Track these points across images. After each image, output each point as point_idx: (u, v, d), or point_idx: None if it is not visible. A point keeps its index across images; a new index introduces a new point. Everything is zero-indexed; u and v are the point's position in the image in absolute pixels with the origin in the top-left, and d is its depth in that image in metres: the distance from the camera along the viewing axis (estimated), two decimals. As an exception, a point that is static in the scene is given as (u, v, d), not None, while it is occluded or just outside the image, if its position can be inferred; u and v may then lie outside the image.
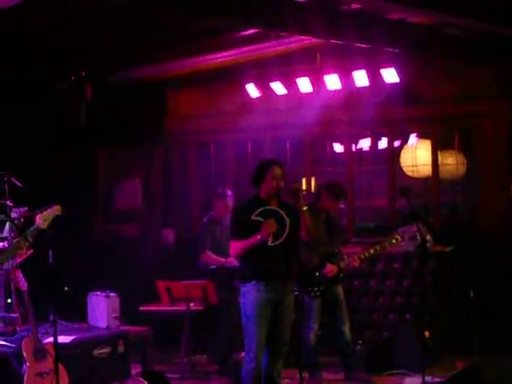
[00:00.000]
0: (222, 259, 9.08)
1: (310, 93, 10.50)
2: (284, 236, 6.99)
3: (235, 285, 8.28)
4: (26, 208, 8.00)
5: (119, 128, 11.27)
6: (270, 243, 6.95)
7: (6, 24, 7.98)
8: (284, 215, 7.02)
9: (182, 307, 9.03)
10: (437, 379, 8.01)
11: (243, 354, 7.20)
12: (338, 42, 8.70)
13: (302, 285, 7.70)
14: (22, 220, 7.83)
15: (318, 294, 8.25)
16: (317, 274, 8.26)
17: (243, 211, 7.18)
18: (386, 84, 9.98)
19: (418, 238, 7.65)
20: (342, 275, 8.41)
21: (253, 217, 7.01)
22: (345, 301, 8.52)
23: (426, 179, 10.85)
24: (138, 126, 11.41)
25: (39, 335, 7.18)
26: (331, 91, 10.33)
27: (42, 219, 6.27)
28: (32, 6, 7.38)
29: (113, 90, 10.99)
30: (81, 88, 10.75)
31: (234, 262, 8.61)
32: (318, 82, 10.31)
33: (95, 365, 8.05)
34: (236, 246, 7.10)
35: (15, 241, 6.59)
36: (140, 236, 11.52)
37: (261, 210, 7.03)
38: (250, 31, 8.91)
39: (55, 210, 6.33)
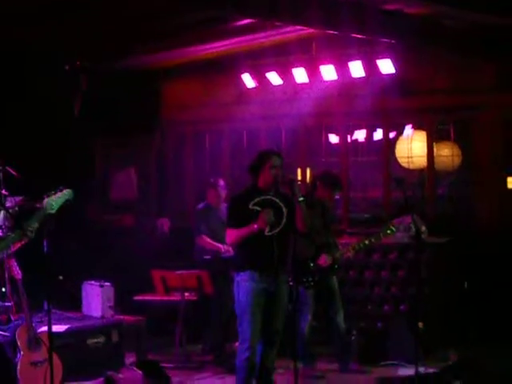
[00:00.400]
0: (219, 244, 9.06)
1: (306, 83, 10.50)
2: (281, 225, 6.99)
3: (231, 275, 8.29)
4: (21, 197, 8.00)
5: (114, 118, 11.25)
6: (266, 232, 6.95)
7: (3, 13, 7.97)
8: (281, 204, 7.03)
9: (176, 297, 9.03)
10: (430, 370, 8.01)
11: (237, 344, 7.21)
12: (334, 32, 8.68)
13: (296, 275, 7.70)
14: (17, 209, 7.82)
15: (312, 284, 8.25)
16: (311, 264, 8.26)
17: (240, 200, 7.17)
18: (382, 75, 9.97)
19: (413, 228, 7.64)
20: (336, 266, 8.41)
21: (250, 206, 7.01)
22: (339, 291, 8.52)
23: (421, 170, 10.85)
24: (133, 116, 11.40)
25: (33, 324, 7.18)
26: (327, 82, 10.33)
27: (51, 203, 6.03)
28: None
29: (108, 79, 10.96)
30: (76, 78, 10.73)
31: (229, 251, 8.64)
32: (313, 72, 10.31)
33: (89, 354, 8.07)
34: (232, 234, 7.09)
35: (15, 232, 6.47)
36: (135, 225, 11.51)
37: (258, 199, 7.03)
38: (246, 21, 8.89)
39: (66, 194, 6.09)
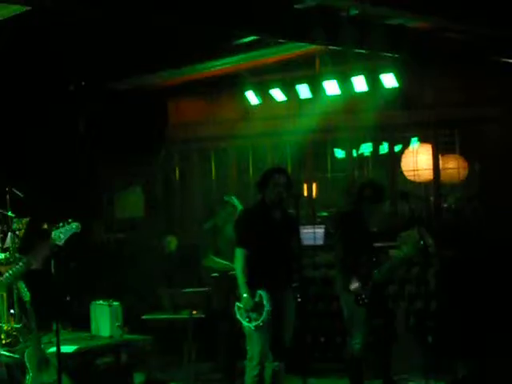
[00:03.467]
0: (227, 262, 9.04)
1: (310, 99, 10.53)
2: (261, 319, 6.98)
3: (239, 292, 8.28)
4: (28, 219, 8.02)
5: (120, 137, 11.27)
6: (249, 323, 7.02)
7: (8, 31, 8.00)
8: (266, 302, 6.98)
9: (184, 315, 9.02)
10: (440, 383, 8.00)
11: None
12: (337, 48, 8.70)
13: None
14: (23, 231, 7.84)
15: (365, 301, 7.77)
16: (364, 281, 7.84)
17: (248, 218, 7.24)
18: (386, 89, 9.99)
19: (420, 242, 7.62)
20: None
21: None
22: None
23: (427, 183, 10.85)
24: (138, 135, 11.41)
25: (42, 345, 7.18)
26: (331, 97, 10.36)
27: (58, 235, 6.13)
28: (34, 16, 7.40)
29: (114, 98, 10.99)
30: (81, 97, 10.77)
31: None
32: (317, 88, 10.34)
33: (98, 374, 8.05)
34: (238, 264, 7.10)
35: (21, 262, 6.50)
36: (142, 244, 11.51)
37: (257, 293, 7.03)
38: (250, 39, 8.92)
39: (73, 227, 6.18)
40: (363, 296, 7.75)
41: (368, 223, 8.06)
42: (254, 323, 6.97)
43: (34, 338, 7.10)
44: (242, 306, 7.03)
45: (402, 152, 11.04)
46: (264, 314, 6.95)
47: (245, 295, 6.97)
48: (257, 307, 6.96)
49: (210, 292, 8.98)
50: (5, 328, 7.90)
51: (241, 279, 7.04)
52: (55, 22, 8.02)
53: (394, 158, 10.98)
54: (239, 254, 7.11)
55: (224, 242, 9.08)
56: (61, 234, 6.07)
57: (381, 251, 8.26)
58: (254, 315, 6.97)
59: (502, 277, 9.60)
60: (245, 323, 7.03)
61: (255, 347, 6.99)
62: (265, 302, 6.95)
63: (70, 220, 6.17)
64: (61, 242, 6.05)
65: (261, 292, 6.96)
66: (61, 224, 6.11)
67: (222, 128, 11.62)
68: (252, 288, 6.99)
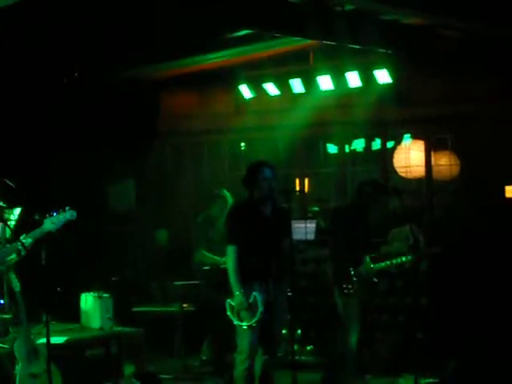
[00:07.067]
0: (218, 258, 9.05)
1: (303, 93, 10.54)
2: (254, 320, 6.96)
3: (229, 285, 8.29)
4: (20, 209, 8.01)
5: (112, 129, 11.25)
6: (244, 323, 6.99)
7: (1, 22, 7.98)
8: (260, 304, 6.97)
9: (175, 308, 9.02)
10: (429, 380, 8.00)
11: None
12: (331, 43, 8.71)
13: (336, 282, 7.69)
14: (14, 221, 7.82)
15: (351, 291, 7.78)
16: (352, 271, 7.82)
17: (238, 214, 7.21)
18: (379, 85, 10.01)
19: (411, 238, 7.62)
20: (375, 279, 8.00)
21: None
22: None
23: (419, 180, 10.86)
24: (131, 127, 11.40)
25: (32, 336, 7.17)
26: (324, 92, 10.37)
27: (51, 222, 6.13)
28: (26, 7, 7.39)
29: (106, 90, 10.97)
30: (74, 90, 10.74)
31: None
32: (310, 82, 10.36)
33: (88, 365, 8.05)
34: (230, 261, 7.07)
35: (10, 245, 6.50)
36: (133, 237, 11.50)
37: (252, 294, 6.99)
38: (244, 32, 8.92)
39: (68, 214, 6.17)
40: (349, 286, 7.74)
41: (367, 219, 8.10)
42: (246, 323, 6.96)
43: (23, 328, 7.10)
44: (233, 304, 7.01)
45: (394, 148, 11.05)
46: (257, 315, 6.93)
47: (237, 293, 6.95)
48: (250, 308, 6.95)
49: (201, 285, 8.98)
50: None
51: (233, 277, 7.01)
52: (49, 13, 8.02)
53: (387, 155, 10.99)
54: (230, 251, 7.09)
55: (217, 236, 9.08)
56: (54, 221, 6.06)
57: (374, 247, 8.29)
58: (245, 314, 6.95)
59: (492, 272, 9.63)
60: (236, 321, 7.02)
61: (245, 341, 7.00)
62: (259, 304, 6.93)
63: (67, 208, 6.16)
64: (54, 230, 6.05)
65: (255, 293, 6.94)
66: (55, 211, 6.10)
67: (215, 122, 11.61)
68: (244, 284, 6.98)
